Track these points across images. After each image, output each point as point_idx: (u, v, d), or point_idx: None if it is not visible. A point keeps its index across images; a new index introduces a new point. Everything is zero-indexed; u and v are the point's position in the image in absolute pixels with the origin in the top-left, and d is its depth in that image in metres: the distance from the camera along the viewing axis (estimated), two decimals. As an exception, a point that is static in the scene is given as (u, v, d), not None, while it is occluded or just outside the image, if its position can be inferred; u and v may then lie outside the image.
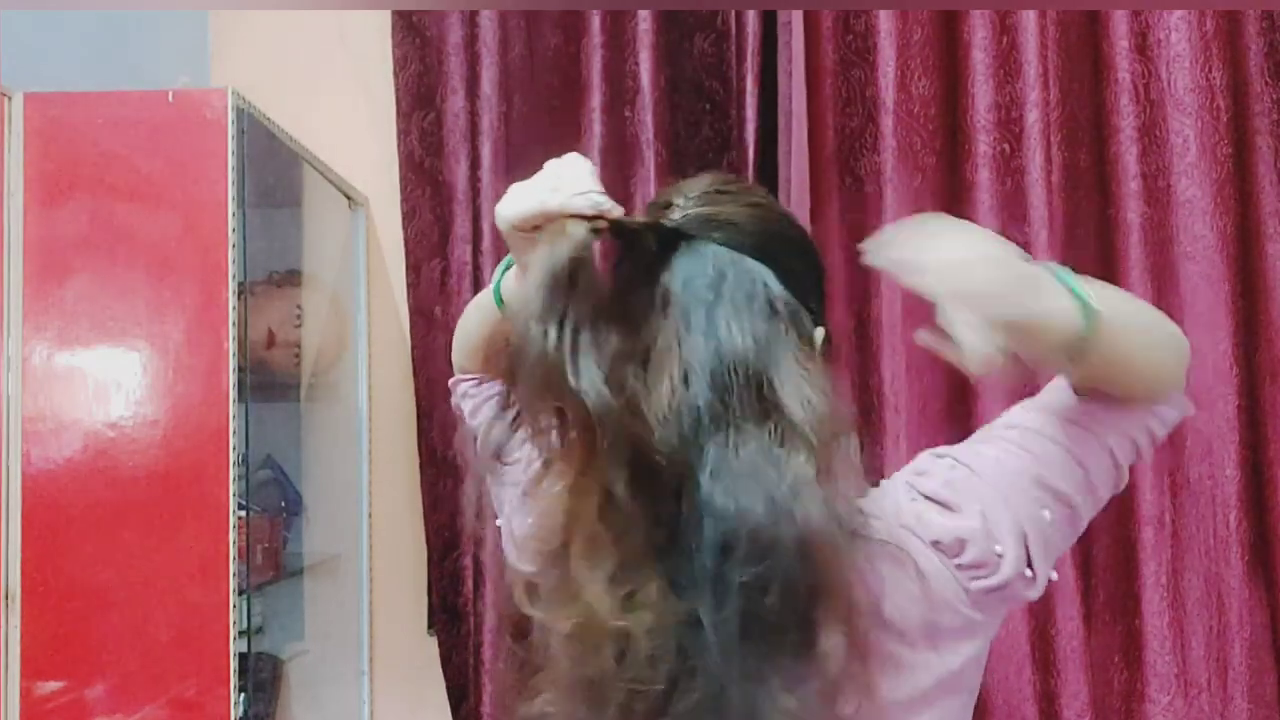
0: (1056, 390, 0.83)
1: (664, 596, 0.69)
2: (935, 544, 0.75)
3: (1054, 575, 0.78)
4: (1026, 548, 0.75)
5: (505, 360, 0.73)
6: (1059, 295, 0.71)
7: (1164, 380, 0.81)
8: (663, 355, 0.73)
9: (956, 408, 1.77)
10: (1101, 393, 0.81)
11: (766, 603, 0.68)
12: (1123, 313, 0.76)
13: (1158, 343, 0.80)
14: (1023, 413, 0.84)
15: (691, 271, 0.76)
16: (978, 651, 0.79)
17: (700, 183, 0.81)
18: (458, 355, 1.01)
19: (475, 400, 0.97)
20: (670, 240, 0.77)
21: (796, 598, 0.69)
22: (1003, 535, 0.75)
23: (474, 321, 0.96)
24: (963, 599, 0.75)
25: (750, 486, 0.70)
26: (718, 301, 0.75)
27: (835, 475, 0.73)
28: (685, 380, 0.72)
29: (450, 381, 1.02)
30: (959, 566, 0.75)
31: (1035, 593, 0.76)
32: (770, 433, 0.72)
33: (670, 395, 0.72)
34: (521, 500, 0.85)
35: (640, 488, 0.71)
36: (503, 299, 0.88)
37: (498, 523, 0.89)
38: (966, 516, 0.76)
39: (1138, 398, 0.81)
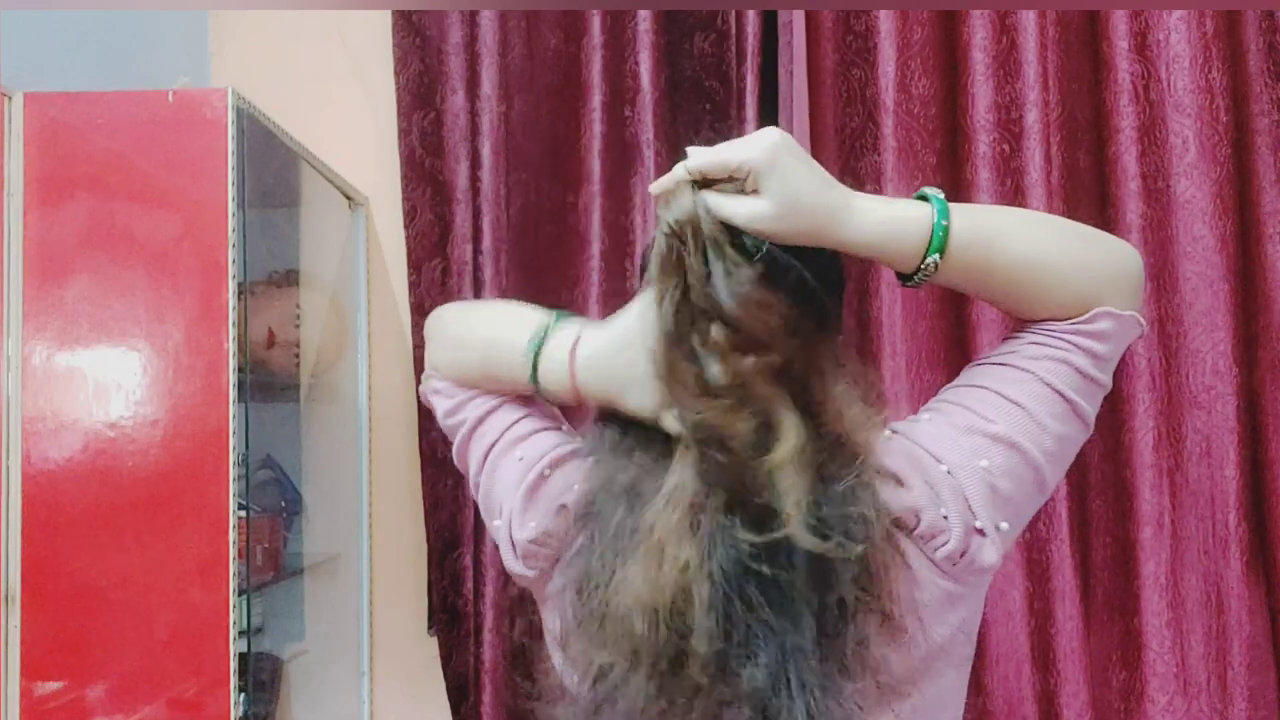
0: (998, 345, 0.85)
1: (719, 571, 0.72)
2: (894, 521, 0.76)
3: (1004, 525, 0.77)
4: (967, 501, 0.75)
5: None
6: (894, 208, 0.77)
7: (1076, 291, 0.79)
8: (714, 339, 0.75)
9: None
10: (1027, 324, 0.82)
11: (830, 584, 0.72)
12: (994, 217, 0.81)
13: (1058, 254, 0.79)
14: (963, 373, 0.86)
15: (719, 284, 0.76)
16: (963, 623, 0.79)
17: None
18: (442, 364, 0.94)
19: (455, 400, 0.93)
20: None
21: (854, 582, 0.72)
22: (943, 496, 0.76)
23: (482, 360, 0.89)
24: (933, 570, 0.76)
25: (811, 483, 0.73)
26: (745, 302, 0.76)
27: (879, 474, 0.76)
28: (734, 370, 0.74)
29: (424, 374, 0.97)
30: (920, 539, 0.76)
31: (994, 551, 0.76)
32: (825, 433, 0.75)
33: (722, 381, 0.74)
34: (524, 504, 0.84)
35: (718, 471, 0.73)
36: (538, 378, 0.85)
37: (495, 523, 0.88)
38: (911, 486, 0.76)
39: (1050, 312, 0.80)
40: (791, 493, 0.71)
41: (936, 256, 0.76)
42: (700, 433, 0.74)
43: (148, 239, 1.45)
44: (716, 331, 0.74)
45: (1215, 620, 1.70)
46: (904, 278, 0.80)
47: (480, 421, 0.91)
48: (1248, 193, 1.72)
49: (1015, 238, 0.79)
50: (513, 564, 0.85)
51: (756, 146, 0.74)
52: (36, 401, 1.44)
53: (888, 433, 0.81)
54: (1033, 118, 1.73)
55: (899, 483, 0.76)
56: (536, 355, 0.84)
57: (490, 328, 0.90)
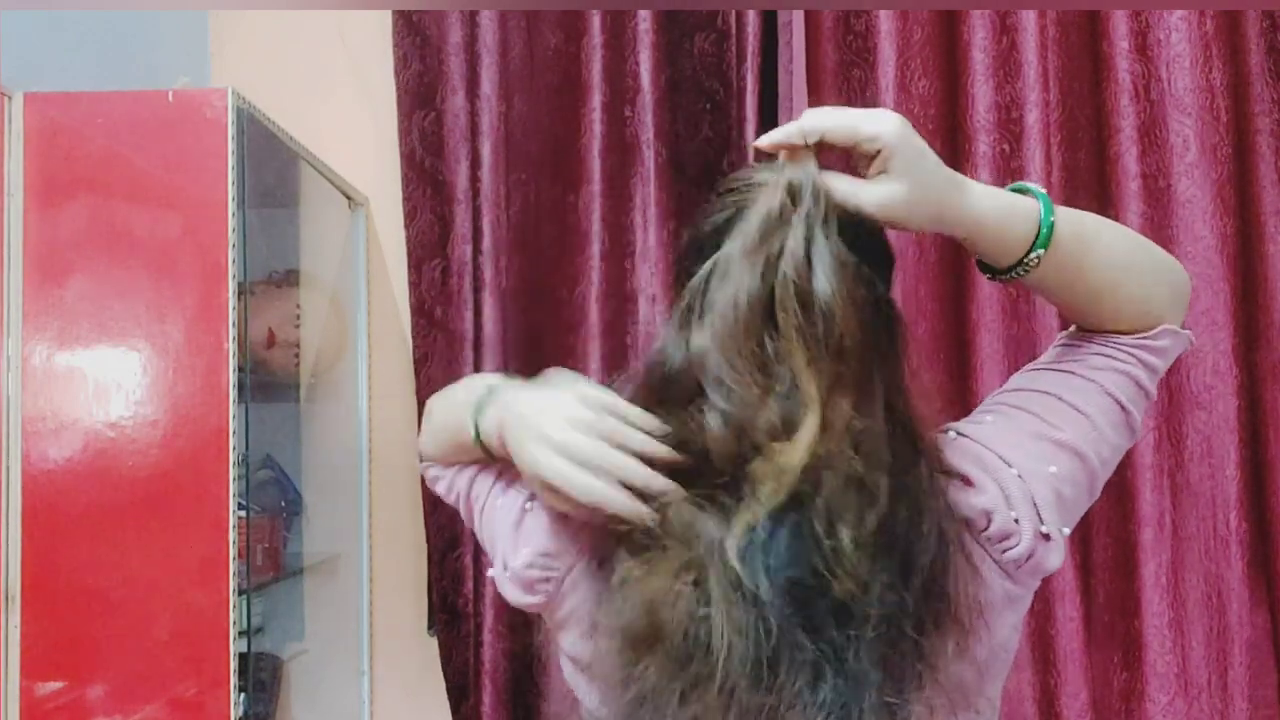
0: (1051, 351, 0.85)
1: (764, 589, 0.69)
2: (964, 522, 0.75)
3: (1065, 530, 0.77)
4: (1035, 506, 0.75)
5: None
6: (1001, 195, 0.75)
7: (1148, 304, 0.80)
8: (791, 344, 0.71)
9: (958, 407, 1.77)
10: (1090, 334, 0.82)
11: (901, 602, 0.70)
12: (1087, 220, 0.79)
13: (1138, 265, 0.80)
14: (1018, 376, 0.85)
15: (817, 264, 0.73)
16: (1016, 623, 0.79)
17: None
18: (428, 448, 0.97)
19: (447, 477, 0.95)
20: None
21: (924, 598, 0.70)
22: (1014, 499, 0.75)
23: (449, 439, 0.92)
24: (998, 572, 0.75)
25: (886, 484, 0.70)
26: (837, 297, 0.73)
27: (943, 476, 0.75)
28: (815, 375, 0.70)
29: (420, 468, 1.01)
30: (988, 540, 0.75)
31: (1057, 555, 0.76)
32: (896, 434, 0.73)
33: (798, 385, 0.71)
34: (513, 537, 0.84)
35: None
36: (482, 440, 0.85)
37: (490, 573, 0.86)
38: (983, 488, 0.76)
39: (1122, 324, 0.81)
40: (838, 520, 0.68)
41: (1041, 251, 0.75)
42: (729, 413, 0.70)
43: (148, 239, 1.45)
44: (797, 317, 0.69)
45: (1216, 620, 1.70)
46: (995, 272, 0.78)
47: (470, 486, 0.92)
48: (1248, 192, 1.72)
49: (1105, 245, 0.78)
50: (517, 596, 0.83)
51: (888, 122, 0.71)
52: (36, 401, 1.43)
53: (952, 434, 0.80)
54: (1033, 118, 1.73)
55: (968, 483, 0.76)
56: (477, 430, 0.85)
57: (450, 408, 0.92)
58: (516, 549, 0.83)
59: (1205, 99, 1.71)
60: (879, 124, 0.70)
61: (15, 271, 1.44)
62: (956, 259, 1.78)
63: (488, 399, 0.85)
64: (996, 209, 0.75)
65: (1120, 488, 1.72)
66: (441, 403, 0.95)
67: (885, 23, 1.79)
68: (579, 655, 0.83)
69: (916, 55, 1.79)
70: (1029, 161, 1.73)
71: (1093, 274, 0.78)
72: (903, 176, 0.71)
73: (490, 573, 0.86)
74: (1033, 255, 0.75)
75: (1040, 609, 1.72)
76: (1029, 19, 1.74)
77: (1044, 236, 0.74)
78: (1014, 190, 0.78)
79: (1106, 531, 1.74)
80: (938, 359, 1.78)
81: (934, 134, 1.79)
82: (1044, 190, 0.77)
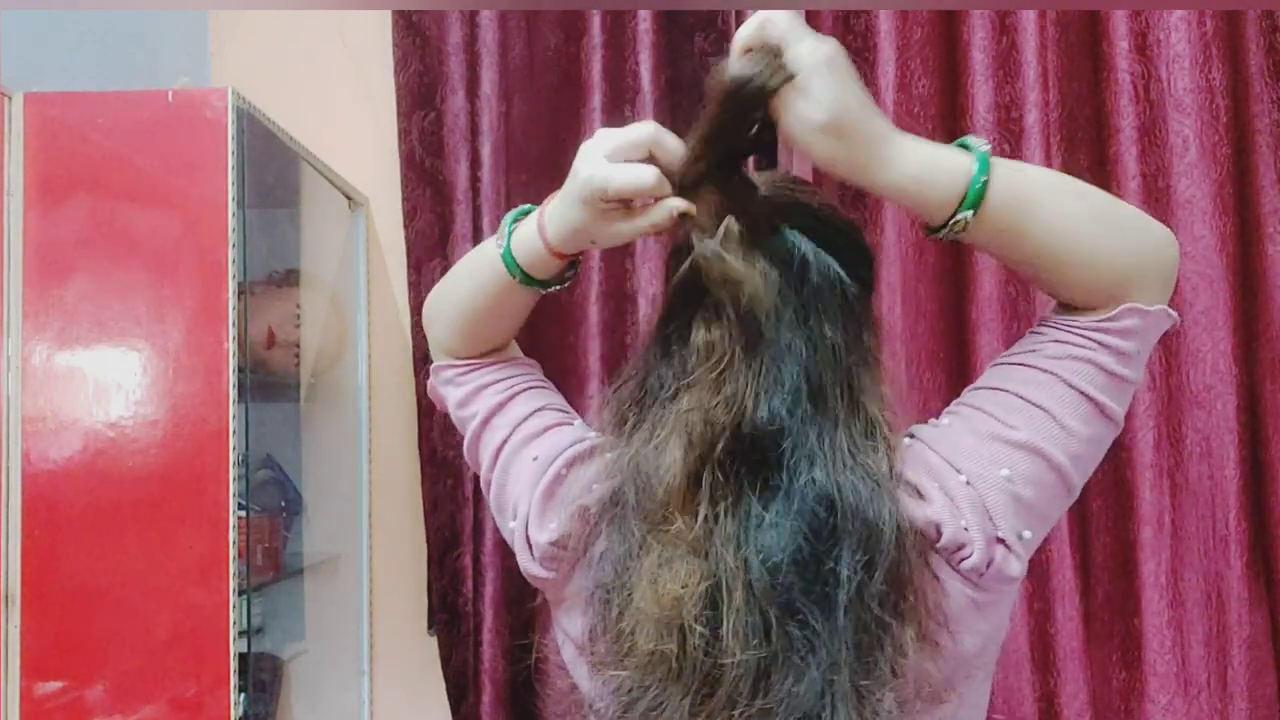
0: (1019, 341, 0.81)
1: (756, 573, 0.70)
2: (919, 533, 0.73)
3: (1027, 534, 0.73)
4: (988, 513, 0.72)
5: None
6: (927, 156, 0.73)
7: (1109, 280, 0.74)
8: (756, 336, 0.74)
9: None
10: (1053, 318, 0.78)
11: (867, 590, 0.70)
12: (1037, 182, 0.75)
13: (1098, 233, 0.74)
14: (986, 372, 0.82)
15: (778, 255, 0.76)
16: (993, 630, 0.77)
17: (770, 174, 0.82)
18: (443, 334, 0.91)
19: (466, 389, 0.90)
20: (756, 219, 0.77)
21: (888, 588, 0.70)
22: (962, 507, 0.72)
23: (469, 291, 0.87)
24: (960, 581, 0.73)
25: (849, 476, 0.71)
26: (805, 288, 0.75)
27: (901, 474, 0.74)
28: (780, 362, 0.73)
29: (432, 367, 0.94)
30: (944, 551, 0.73)
31: (1019, 562, 0.73)
32: (857, 429, 0.74)
33: (765, 375, 0.73)
34: (542, 505, 0.82)
35: (739, 464, 0.72)
36: (516, 261, 0.82)
37: (510, 525, 0.84)
38: (930, 498, 0.73)
39: (1078, 297, 0.76)
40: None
41: (969, 214, 0.71)
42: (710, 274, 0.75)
43: (148, 239, 1.45)
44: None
45: (1215, 620, 1.70)
46: (931, 230, 0.75)
47: (492, 415, 0.88)
48: (1248, 192, 1.72)
49: (1053, 210, 0.73)
50: (530, 566, 0.82)
51: (819, 46, 0.71)
52: (36, 401, 1.44)
53: (906, 440, 0.78)
54: (1033, 118, 1.73)
55: (918, 494, 0.73)
56: (509, 243, 0.83)
57: (461, 264, 0.91)
58: (543, 521, 0.81)
59: (1205, 99, 1.71)
60: (810, 48, 0.72)
61: (15, 271, 1.44)
62: (956, 259, 1.78)
63: (510, 226, 0.84)
64: (919, 170, 0.72)
65: (1120, 487, 1.72)
66: (445, 280, 0.92)
67: (885, 22, 1.79)
68: (578, 636, 0.81)
69: (916, 55, 1.79)
70: (1029, 161, 1.73)
71: (1034, 243, 0.73)
72: (820, 102, 0.71)
73: (510, 524, 0.84)
74: (959, 217, 0.71)
75: (1040, 609, 1.72)
76: (1029, 19, 1.74)
77: (971, 198, 0.70)
78: (959, 145, 0.74)
79: (1106, 531, 1.74)
80: (937, 359, 1.78)
81: (934, 134, 1.79)
82: (986, 149, 0.72)
